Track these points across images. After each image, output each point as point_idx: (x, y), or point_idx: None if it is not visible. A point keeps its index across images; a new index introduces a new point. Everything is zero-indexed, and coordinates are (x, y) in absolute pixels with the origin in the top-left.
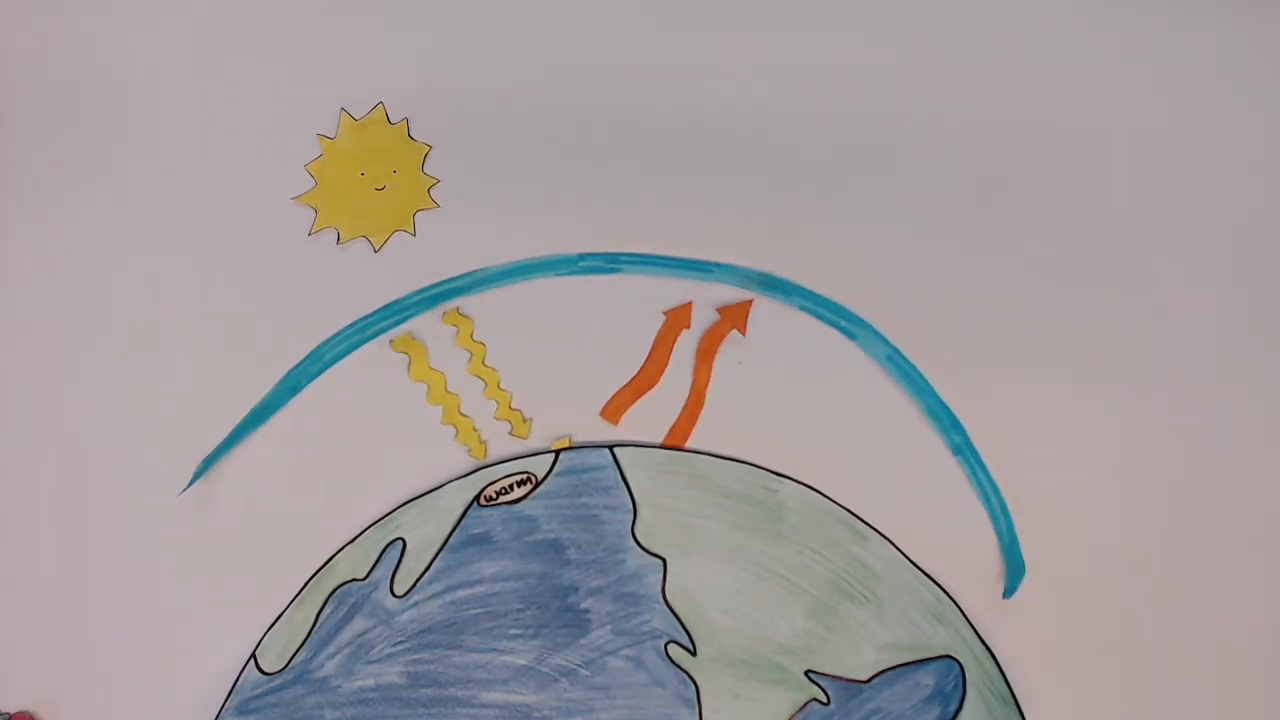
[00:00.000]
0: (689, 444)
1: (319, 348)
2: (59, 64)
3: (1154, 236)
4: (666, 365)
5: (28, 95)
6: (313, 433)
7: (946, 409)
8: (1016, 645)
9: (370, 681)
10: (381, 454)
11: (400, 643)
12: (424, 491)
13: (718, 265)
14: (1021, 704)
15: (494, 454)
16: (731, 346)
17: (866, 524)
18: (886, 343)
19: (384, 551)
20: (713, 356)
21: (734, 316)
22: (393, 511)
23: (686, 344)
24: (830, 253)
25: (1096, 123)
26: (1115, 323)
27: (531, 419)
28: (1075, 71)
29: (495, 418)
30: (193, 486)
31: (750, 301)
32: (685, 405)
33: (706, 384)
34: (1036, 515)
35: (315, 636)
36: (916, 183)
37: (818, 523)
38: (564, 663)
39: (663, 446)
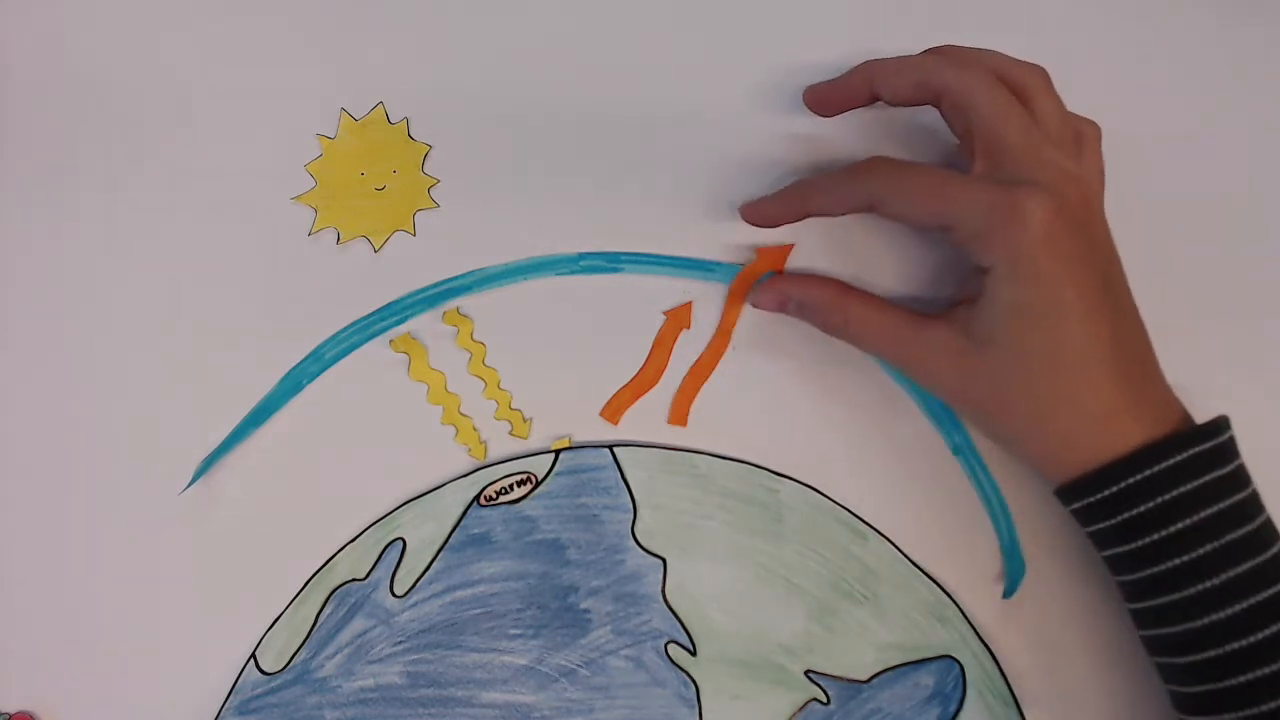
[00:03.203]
0: (694, 436)
1: (319, 348)
2: (59, 65)
3: (1153, 235)
4: (666, 365)
5: (27, 95)
6: (313, 433)
7: (947, 409)
8: (1016, 645)
9: (370, 681)
10: (381, 454)
11: (400, 643)
12: (424, 491)
13: (718, 265)
14: (1021, 704)
15: (494, 454)
16: (732, 348)
17: (866, 524)
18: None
19: (384, 551)
20: (744, 296)
21: (773, 257)
22: (393, 511)
23: (687, 344)
24: (833, 253)
25: (1098, 122)
26: None
27: (531, 419)
28: (1075, 71)
29: (495, 418)
30: (193, 486)
31: (791, 246)
32: (710, 343)
33: (734, 324)
34: (1036, 515)
35: (315, 636)
36: None
37: (818, 523)
38: (564, 663)
39: (670, 423)
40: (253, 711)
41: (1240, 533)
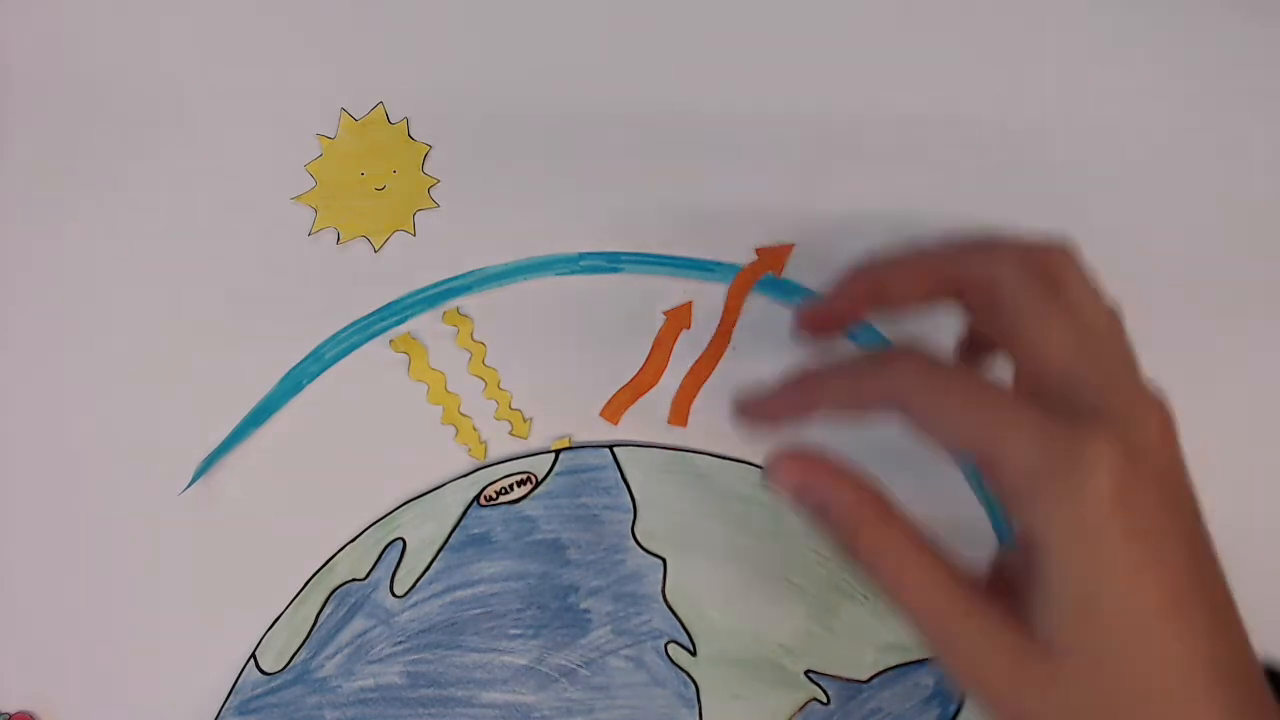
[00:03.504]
0: (698, 420)
1: (319, 348)
2: (58, 63)
3: (1154, 236)
4: (666, 365)
5: (28, 95)
6: (313, 433)
7: None
8: None
9: (370, 681)
10: (381, 454)
11: (400, 643)
12: (424, 491)
13: (718, 265)
14: None
15: (494, 454)
16: (732, 348)
17: None
18: (887, 342)
19: (384, 551)
20: (744, 296)
21: (773, 258)
22: (393, 511)
23: (687, 344)
24: (831, 253)
25: (1098, 124)
26: None
27: (531, 419)
28: (1074, 72)
29: (495, 418)
30: (193, 486)
31: (791, 246)
32: (710, 343)
33: (734, 324)
34: None
35: (315, 636)
36: (917, 182)
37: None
38: (564, 663)
39: (671, 418)
40: (253, 711)
41: None
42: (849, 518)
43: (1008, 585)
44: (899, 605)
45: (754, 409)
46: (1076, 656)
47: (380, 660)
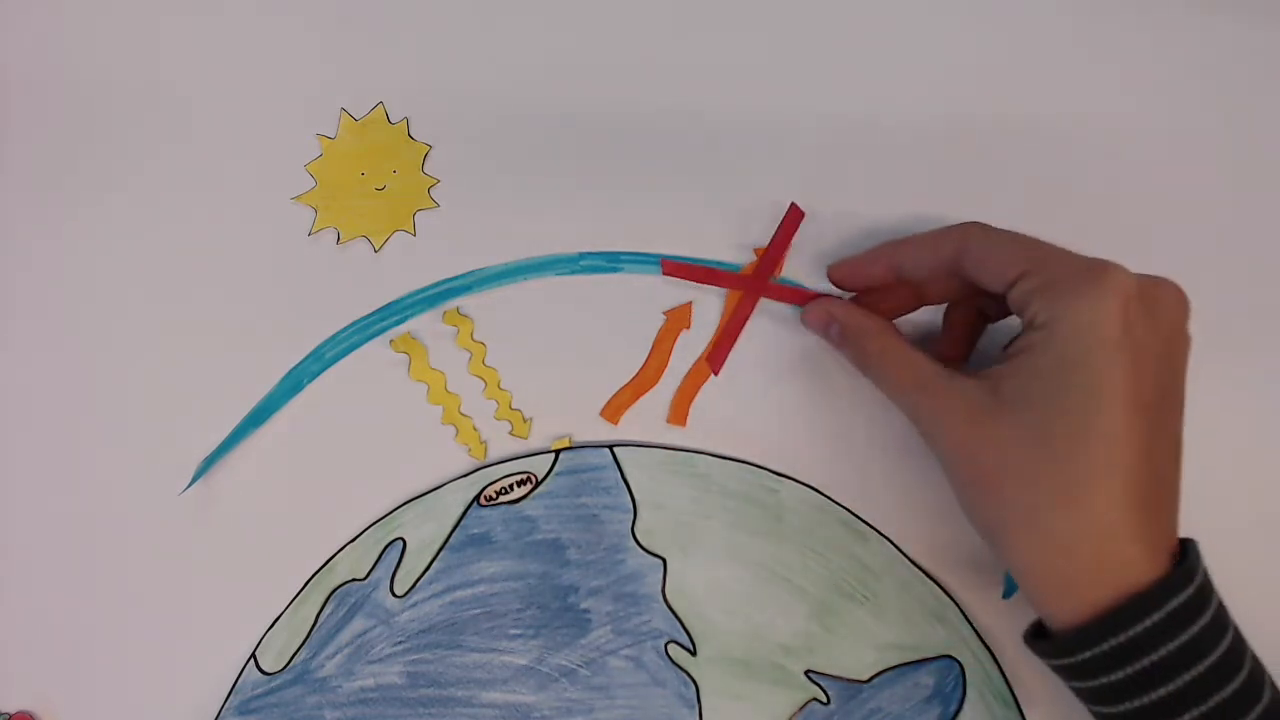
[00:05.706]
0: (699, 413)
1: (319, 348)
2: (60, 64)
3: (1152, 235)
4: (666, 365)
5: (28, 95)
6: (313, 433)
7: None
8: (1016, 645)
9: (370, 681)
10: (381, 454)
11: (400, 643)
12: (424, 491)
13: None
14: (1021, 704)
15: (494, 454)
16: (732, 350)
17: (866, 524)
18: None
19: (384, 551)
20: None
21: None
22: (393, 511)
23: (687, 344)
24: (830, 253)
25: (1096, 123)
26: None
27: (531, 419)
28: (1073, 71)
29: (495, 418)
30: (193, 486)
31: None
32: (710, 343)
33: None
34: None
35: (315, 636)
36: (916, 182)
37: (818, 523)
38: (564, 663)
39: (676, 402)
40: (253, 711)
41: (1228, 690)
42: (861, 330)
43: (988, 374)
44: (894, 383)
45: (847, 272)
46: (1030, 412)
47: (380, 660)
